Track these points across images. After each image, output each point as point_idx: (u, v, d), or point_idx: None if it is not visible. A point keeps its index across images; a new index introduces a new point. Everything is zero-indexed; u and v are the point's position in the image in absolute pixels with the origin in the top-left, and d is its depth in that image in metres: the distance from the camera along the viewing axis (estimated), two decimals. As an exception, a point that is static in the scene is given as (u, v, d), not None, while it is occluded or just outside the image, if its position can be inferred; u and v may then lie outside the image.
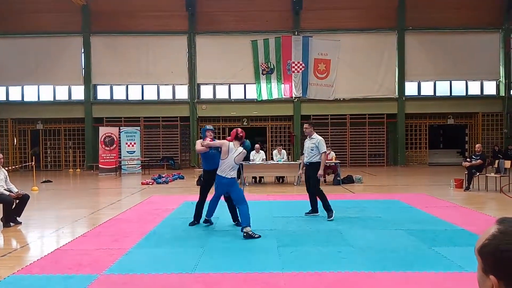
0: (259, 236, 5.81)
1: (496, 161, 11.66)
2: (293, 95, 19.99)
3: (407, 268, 4.39)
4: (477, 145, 11.50)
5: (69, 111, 20.32)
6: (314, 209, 7.40)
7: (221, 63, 19.91)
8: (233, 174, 6.17)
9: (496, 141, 20.13)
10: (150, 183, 13.42)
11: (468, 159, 11.51)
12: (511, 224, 0.89)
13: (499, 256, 0.87)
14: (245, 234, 5.81)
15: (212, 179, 6.46)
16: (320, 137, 7.27)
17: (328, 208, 7.06)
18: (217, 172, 6.17)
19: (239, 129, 6.35)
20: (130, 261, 4.80)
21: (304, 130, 7.47)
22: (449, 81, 20.48)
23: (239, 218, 6.19)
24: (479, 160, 10.82)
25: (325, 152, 7.22)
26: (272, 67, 19.95)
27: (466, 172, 10.92)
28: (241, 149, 6.18)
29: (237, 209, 6.50)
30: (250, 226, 5.90)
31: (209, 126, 7.03)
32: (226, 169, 6.10)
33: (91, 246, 5.46)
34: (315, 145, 7.17)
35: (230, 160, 6.09)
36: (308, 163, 7.27)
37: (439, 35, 19.89)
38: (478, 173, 10.84)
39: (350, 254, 4.95)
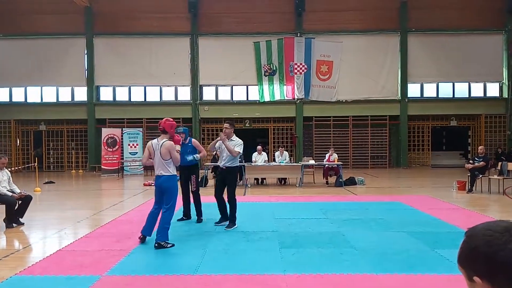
0: (173, 245, 5.44)
1: (499, 163, 11.64)
2: (296, 97, 19.98)
3: (409, 270, 4.38)
4: (480, 147, 11.46)
5: (72, 112, 20.36)
6: (225, 217, 6.73)
7: (224, 64, 19.93)
8: (169, 170, 5.57)
9: (499, 143, 20.06)
10: (153, 184, 13.40)
11: (471, 161, 11.47)
12: (474, 229, 0.97)
13: (473, 256, 0.93)
14: (156, 245, 5.39)
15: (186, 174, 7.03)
16: (240, 140, 6.65)
17: (234, 218, 6.58)
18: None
19: (163, 119, 5.70)
20: (132, 262, 4.81)
21: (223, 129, 6.65)
22: (452, 83, 20.41)
23: (157, 228, 5.53)
24: (482, 162, 10.77)
25: (239, 152, 6.55)
26: (274, 68, 19.96)
27: (469, 174, 10.89)
28: (163, 141, 5.57)
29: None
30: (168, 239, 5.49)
31: (180, 129, 6.77)
32: (158, 167, 5.59)
33: (93, 247, 5.47)
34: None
35: (156, 156, 5.59)
36: (225, 167, 6.59)
37: (441, 37, 19.84)
38: (481, 175, 10.78)
39: (352, 256, 4.93)
